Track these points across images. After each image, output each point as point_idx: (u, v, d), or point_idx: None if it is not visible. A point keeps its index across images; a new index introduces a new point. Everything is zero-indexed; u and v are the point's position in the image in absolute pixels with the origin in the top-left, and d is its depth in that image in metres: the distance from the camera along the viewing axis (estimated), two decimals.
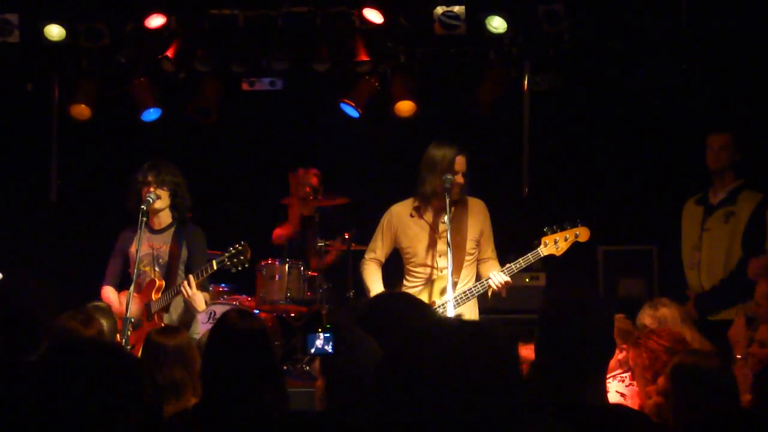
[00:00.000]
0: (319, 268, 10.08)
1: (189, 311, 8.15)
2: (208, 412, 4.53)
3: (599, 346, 3.70)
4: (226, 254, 7.85)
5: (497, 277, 7.51)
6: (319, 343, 3.55)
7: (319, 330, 3.57)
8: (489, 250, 7.86)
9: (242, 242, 7.89)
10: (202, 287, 8.01)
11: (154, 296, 7.90)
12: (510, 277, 7.64)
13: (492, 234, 7.93)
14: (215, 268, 7.81)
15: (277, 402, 4.62)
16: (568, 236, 7.64)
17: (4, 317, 4.80)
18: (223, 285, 10.27)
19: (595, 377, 3.70)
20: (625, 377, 6.58)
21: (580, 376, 3.62)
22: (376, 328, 3.92)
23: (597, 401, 3.64)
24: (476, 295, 7.67)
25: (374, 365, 2.70)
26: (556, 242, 7.61)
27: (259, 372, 4.54)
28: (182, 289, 7.70)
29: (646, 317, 6.95)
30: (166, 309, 7.94)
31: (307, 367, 9.76)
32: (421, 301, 4.82)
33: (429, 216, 7.82)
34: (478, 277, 7.82)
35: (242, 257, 7.87)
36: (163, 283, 7.95)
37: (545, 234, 7.63)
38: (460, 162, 7.70)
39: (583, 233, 7.67)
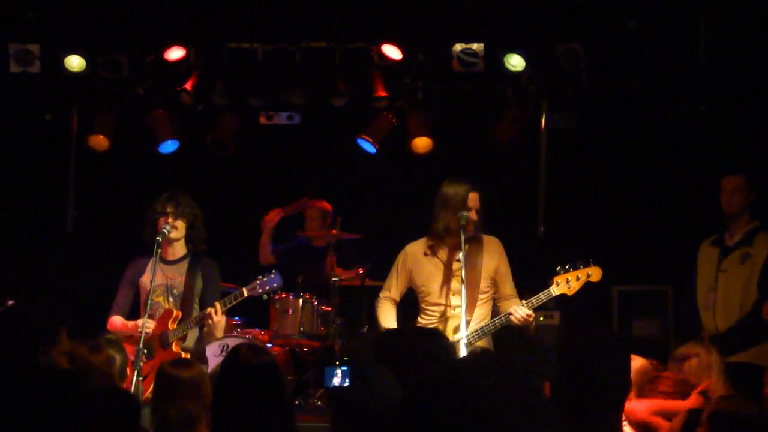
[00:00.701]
0: (335, 306, 10.03)
1: (202, 342, 8.14)
2: None
3: (616, 385, 3.70)
4: (257, 282, 7.83)
5: (520, 311, 7.46)
6: (337, 376, 3.51)
7: (337, 363, 3.53)
8: (507, 288, 7.81)
9: (273, 270, 7.88)
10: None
11: (170, 326, 7.85)
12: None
13: (509, 271, 7.87)
14: (245, 295, 7.78)
15: None
16: (580, 276, 7.60)
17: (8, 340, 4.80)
18: (236, 318, 10.26)
19: (611, 416, 3.70)
20: None
21: (596, 415, 3.61)
22: (395, 362, 3.89)
23: None
24: (492, 331, 7.62)
25: (392, 400, 2.69)
26: (568, 282, 7.57)
27: (269, 407, 4.53)
28: (210, 313, 7.64)
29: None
30: (183, 339, 7.90)
31: (320, 402, 9.74)
32: (441, 336, 4.76)
33: (443, 254, 7.80)
34: (496, 315, 7.77)
35: (275, 285, 7.87)
36: (180, 313, 7.90)
37: (558, 273, 7.59)
38: (473, 199, 7.68)
39: (595, 273, 7.63)
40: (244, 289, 7.78)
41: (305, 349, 10.25)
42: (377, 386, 3.54)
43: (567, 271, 7.57)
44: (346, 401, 3.57)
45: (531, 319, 7.53)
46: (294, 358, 10.33)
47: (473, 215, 7.63)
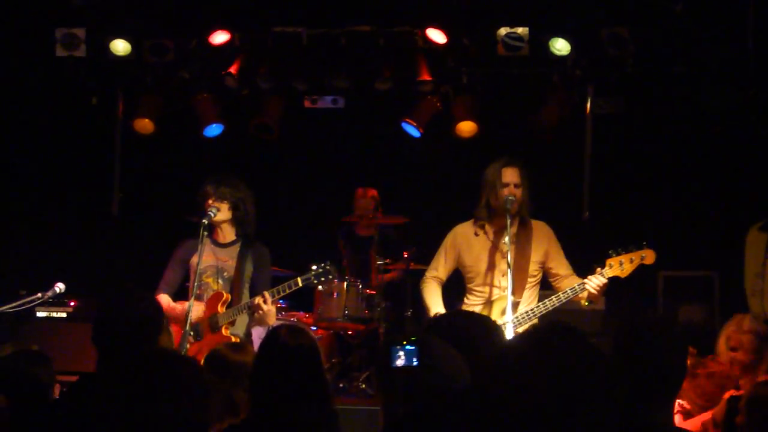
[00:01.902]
0: (379, 284, 10.07)
1: (249, 328, 8.16)
2: (255, 426, 4.51)
3: (673, 371, 3.68)
4: (312, 273, 7.83)
5: (595, 279, 7.41)
6: (402, 356, 3.47)
7: (404, 342, 3.48)
8: (564, 268, 7.76)
9: (328, 261, 7.89)
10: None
11: (220, 309, 7.85)
12: (567, 301, 7.58)
13: (562, 252, 7.83)
14: (300, 284, 7.78)
15: (325, 419, 4.60)
16: (633, 258, 7.52)
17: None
18: (281, 302, 10.28)
19: (666, 401, 3.68)
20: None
21: (652, 400, 3.59)
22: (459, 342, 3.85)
23: (666, 425, 3.61)
24: (557, 305, 7.55)
25: (461, 380, 2.68)
26: (621, 264, 7.50)
27: (308, 388, 4.51)
28: (258, 303, 7.64)
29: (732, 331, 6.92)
30: (232, 323, 7.91)
31: (364, 385, 9.76)
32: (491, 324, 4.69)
33: (492, 235, 7.78)
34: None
35: (329, 276, 7.89)
36: (230, 296, 7.90)
37: (610, 256, 7.53)
38: (508, 173, 7.67)
39: (649, 255, 7.56)
40: (299, 279, 7.77)
41: (349, 333, 10.29)
42: (445, 366, 3.52)
43: (620, 254, 7.51)
44: (413, 381, 3.52)
45: (605, 287, 7.47)
46: (338, 341, 10.36)
47: (511, 189, 7.60)
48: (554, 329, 2.59)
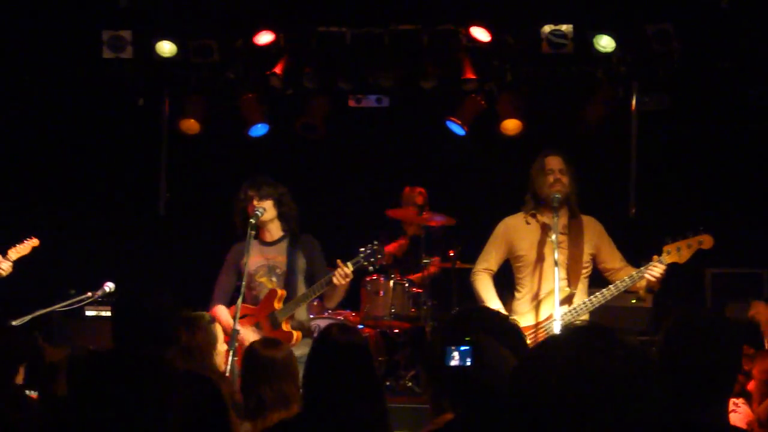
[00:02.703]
0: (422, 280, 10.08)
1: (309, 320, 8.22)
2: (307, 424, 4.54)
3: (725, 369, 3.65)
4: (361, 255, 7.80)
5: (658, 266, 7.37)
6: (457, 356, 3.47)
7: (459, 342, 3.48)
8: (617, 260, 7.71)
9: (375, 241, 7.88)
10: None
11: (276, 305, 7.88)
12: (611, 298, 7.55)
13: (614, 245, 7.80)
14: (351, 269, 7.76)
15: (377, 417, 4.61)
16: (691, 243, 7.43)
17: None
18: (321, 299, 10.31)
19: (718, 399, 3.65)
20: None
21: (703, 399, 3.57)
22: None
23: (719, 423, 3.59)
24: (619, 291, 7.49)
25: (507, 373, 2.68)
26: (678, 250, 7.41)
27: (359, 387, 4.53)
28: (338, 274, 7.66)
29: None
30: (292, 317, 7.94)
31: (410, 383, 9.77)
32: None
33: (543, 224, 7.74)
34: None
35: (379, 255, 7.86)
36: (285, 292, 7.93)
37: (667, 243, 7.46)
38: (550, 161, 7.66)
39: (706, 240, 7.47)
40: (349, 263, 7.74)
41: (396, 331, 10.29)
42: (498, 366, 3.52)
43: (677, 240, 7.43)
44: (466, 381, 3.53)
45: (664, 274, 7.42)
46: (385, 339, 10.37)
47: (556, 175, 7.60)
48: (590, 331, 2.58)
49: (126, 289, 5.22)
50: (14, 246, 8.99)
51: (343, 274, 7.62)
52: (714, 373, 3.61)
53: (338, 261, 7.69)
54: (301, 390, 5.22)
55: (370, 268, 7.93)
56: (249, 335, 7.64)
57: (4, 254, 8.93)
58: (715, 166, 10.45)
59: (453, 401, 3.62)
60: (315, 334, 9.14)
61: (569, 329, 2.68)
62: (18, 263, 9.13)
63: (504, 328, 3.79)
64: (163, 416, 3.02)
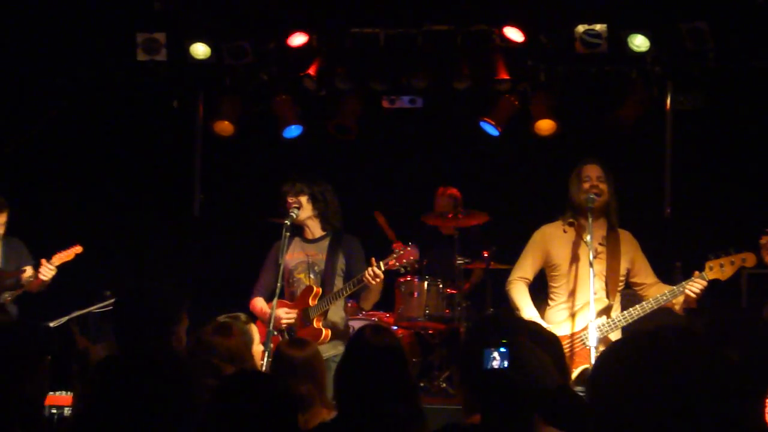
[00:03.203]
0: (462, 290, 10.06)
1: (345, 319, 8.24)
2: (344, 427, 4.54)
3: (762, 367, 3.64)
4: (393, 255, 7.82)
5: (695, 283, 7.32)
6: (496, 358, 3.46)
7: (502, 342, 3.47)
8: (650, 276, 7.67)
9: (409, 243, 7.88)
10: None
11: (311, 302, 7.91)
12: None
13: (647, 260, 7.77)
14: (382, 269, 7.76)
15: (413, 419, 4.61)
16: (734, 261, 7.40)
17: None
18: (354, 299, 10.31)
19: (754, 403, 3.63)
20: None
21: (739, 402, 3.54)
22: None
23: (756, 423, 3.57)
24: (654, 307, 7.46)
25: (548, 378, 2.67)
26: (722, 267, 7.38)
27: (394, 388, 4.53)
28: (368, 273, 7.67)
29: None
30: (324, 315, 7.95)
31: (444, 384, 9.77)
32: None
33: (580, 233, 7.71)
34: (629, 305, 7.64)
35: (412, 258, 7.87)
36: (321, 290, 7.95)
37: (709, 259, 7.41)
38: (587, 169, 7.64)
39: (749, 259, 7.43)
40: (381, 263, 7.75)
41: (430, 332, 10.29)
42: (535, 368, 3.51)
43: (719, 257, 7.39)
44: (503, 383, 3.52)
45: (704, 291, 7.38)
46: (419, 340, 10.37)
47: (593, 183, 7.56)
48: (667, 332, 2.56)
49: (124, 289, 5.21)
50: (59, 252, 9.05)
51: (372, 273, 7.63)
52: (747, 371, 3.59)
53: (372, 259, 7.70)
54: (329, 391, 5.25)
55: (402, 270, 7.94)
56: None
57: (49, 259, 8.99)
58: (749, 165, 10.37)
59: (484, 403, 3.62)
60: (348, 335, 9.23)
61: (649, 331, 2.64)
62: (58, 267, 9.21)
63: (540, 332, 3.79)
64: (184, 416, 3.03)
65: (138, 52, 10.06)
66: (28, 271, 8.96)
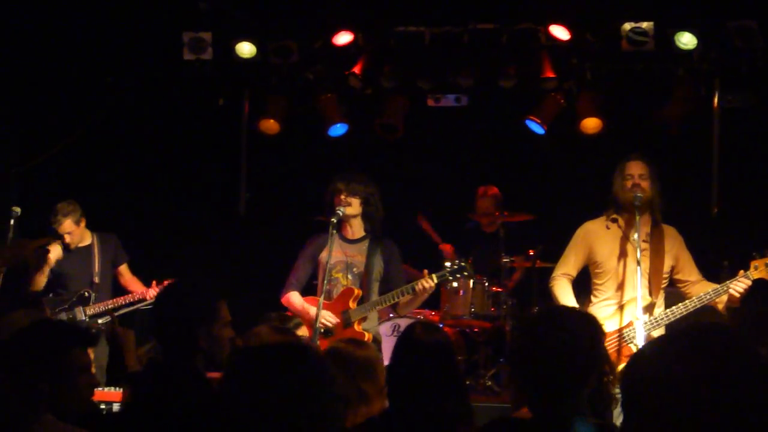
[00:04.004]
0: (506, 287, 10.06)
1: (377, 324, 8.26)
2: (393, 423, 4.55)
3: None
4: (447, 269, 7.91)
5: (740, 282, 7.25)
6: None
7: None
8: (694, 273, 7.64)
9: (465, 259, 7.96)
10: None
11: (351, 304, 7.93)
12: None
13: (691, 257, 7.73)
14: (435, 281, 7.84)
15: (462, 416, 4.61)
16: None
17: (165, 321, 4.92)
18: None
19: None
20: None
21: None
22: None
23: None
24: (697, 306, 7.41)
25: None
26: (767, 266, 7.36)
27: (443, 385, 4.54)
28: (420, 285, 7.74)
29: None
30: (364, 319, 7.99)
31: (490, 383, 9.76)
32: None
33: (623, 230, 7.69)
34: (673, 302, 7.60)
35: (465, 273, 7.95)
36: (361, 292, 7.98)
37: (755, 258, 7.36)
38: (631, 166, 7.63)
39: None
40: (434, 276, 7.83)
41: (476, 330, 10.30)
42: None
43: (765, 256, 7.33)
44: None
45: (749, 290, 7.33)
46: (465, 338, 10.37)
47: (635, 181, 7.54)
48: (702, 329, 2.55)
49: (164, 288, 5.23)
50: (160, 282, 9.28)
51: (427, 286, 7.71)
52: None
53: (425, 271, 7.77)
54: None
55: (455, 284, 8.01)
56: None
57: (149, 285, 9.49)
58: None
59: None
60: (393, 334, 9.28)
61: (684, 329, 2.62)
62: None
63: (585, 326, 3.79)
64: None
65: (184, 51, 10.13)
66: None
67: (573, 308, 5.05)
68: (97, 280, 9.65)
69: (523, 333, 3.90)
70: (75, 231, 9.62)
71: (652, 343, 2.64)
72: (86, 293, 9.50)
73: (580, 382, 3.60)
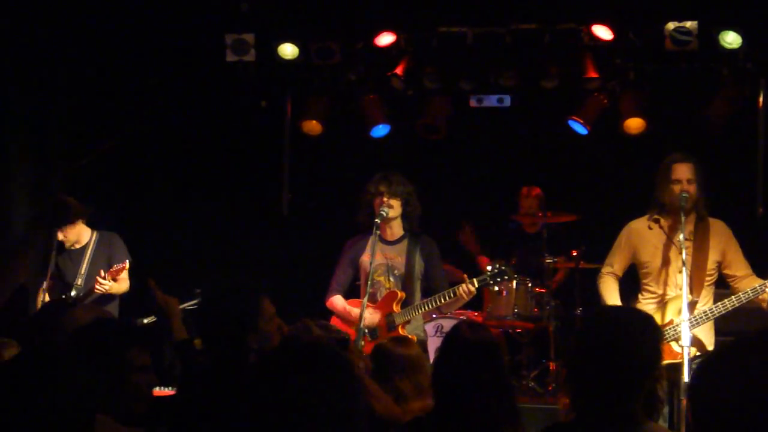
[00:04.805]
0: (549, 288, 10.04)
1: (422, 325, 8.27)
2: (440, 422, 4.56)
3: None
4: (488, 274, 7.93)
5: None
6: None
7: None
8: (743, 267, 7.58)
9: (506, 264, 7.99)
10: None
11: (395, 308, 7.95)
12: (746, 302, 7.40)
13: (741, 252, 7.66)
14: (476, 285, 7.86)
15: (509, 416, 4.61)
16: None
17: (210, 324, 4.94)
18: None
19: None
20: None
21: None
22: None
23: None
24: (736, 305, 7.31)
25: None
26: None
27: (489, 384, 4.54)
28: (461, 290, 7.77)
29: None
30: (408, 322, 8.00)
31: (533, 383, 9.74)
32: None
33: (666, 230, 7.66)
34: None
35: (505, 276, 7.98)
36: (404, 294, 8.00)
37: None
38: (679, 170, 7.58)
39: None
40: (475, 281, 7.86)
41: (519, 331, 10.29)
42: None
43: None
44: None
45: None
46: (508, 339, 10.35)
47: (684, 186, 7.50)
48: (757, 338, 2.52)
49: (208, 289, 5.24)
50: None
51: (467, 291, 7.73)
52: None
53: (464, 276, 7.79)
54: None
55: (496, 288, 8.00)
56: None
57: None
58: None
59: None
60: (437, 334, 9.29)
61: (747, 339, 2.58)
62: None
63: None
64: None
65: (227, 52, 10.16)
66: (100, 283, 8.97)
67: (632, 308, 5.02)
68: (79, 282, 9.21)
69: (582, 333, 3.87)
70: (70, 231, 9.29)
71: (714, 356, 2.61)
72: (63, 296, 9.27)
73: (637, 386, 3.58)
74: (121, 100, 10.86)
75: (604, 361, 3.57)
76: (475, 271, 8.35)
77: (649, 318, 3.81)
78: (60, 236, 9.23)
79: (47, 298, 9.14)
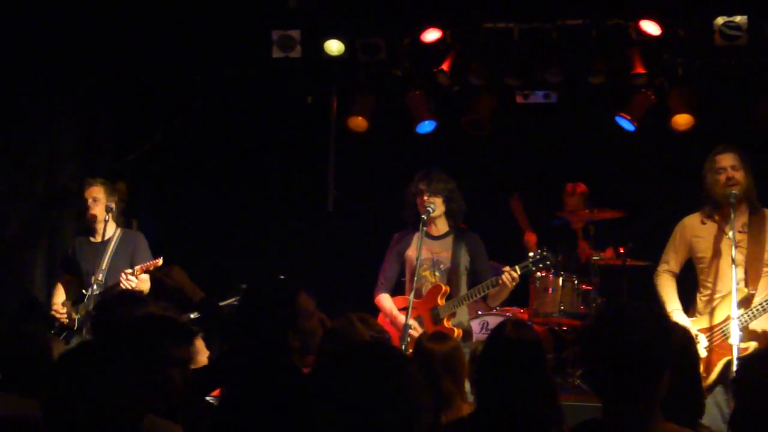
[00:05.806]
0: (595, 285, 9.98)
1: (468, 318, 8.26)
2: (483, 422, 4.53)
3: None
4: (530, 260, 7.90)
5: None
6: None
7: None
8: None
9: (544, 248, 7.94)
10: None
11: (440, 301, 7.96)
12: None
13: None
14: (519, 272, 7.84)
15: (553, 416, 4.57)
16: None
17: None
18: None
19: None
20: None
21: None
22: None
23: None
24: None
25: None
26: None
27: (531, 383, 4.51)
28: (505, 277, 7.75)
29: None
30: (453, 314, 8.01)
31: (578, 381, 9.68)
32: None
33: (720, 224, 7.60)
34: None
35: (548, 262, 7.93)
36: (448, 288, 8.01)
37: None
38: (722, 159, 7.54)
39: None
40: (517, 267, 7.85)
41: (564, 328, 10.23)
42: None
43: None
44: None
45: None
46: (553, 336, 10.31)
47: (729, 173, 7.43)
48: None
49: (249, 285, 5.20)
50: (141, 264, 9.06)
51: (510, 278, 7.71)
52: None
53: (506, 267, 7.76)
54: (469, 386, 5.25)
55: (538, 273, 7.97)
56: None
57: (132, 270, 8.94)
58: None
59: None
60: (482, 331, 9.26)
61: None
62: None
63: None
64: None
65: (273, 49, 10.18)
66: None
67: (642, 304, 4.99)
68: (101, 277, 9.08)
69: (586, 332, 3.85)
70: (99, 206, 9.21)
71: (759, 352, 2.60)
72: (83, 290, 9.27)
73: (648, 385, 3.54)
74: (168, 97, 10.92)
75: (604, 361, 3.54)
76: (522, 256, 8.26)
77: (660, 318, 3.76)
78: (88, 198, 9.24)
79: (63, 293, 9.20)
